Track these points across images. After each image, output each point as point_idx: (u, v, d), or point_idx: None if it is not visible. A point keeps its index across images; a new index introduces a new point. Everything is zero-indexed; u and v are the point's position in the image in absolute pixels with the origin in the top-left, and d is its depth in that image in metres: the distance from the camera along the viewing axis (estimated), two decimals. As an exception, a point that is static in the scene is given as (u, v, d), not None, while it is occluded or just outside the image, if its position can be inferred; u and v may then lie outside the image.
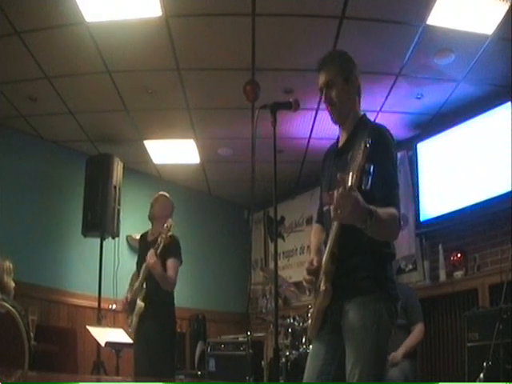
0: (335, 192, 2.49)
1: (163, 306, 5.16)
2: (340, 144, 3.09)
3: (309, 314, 3.08)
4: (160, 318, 5.10)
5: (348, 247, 2.75)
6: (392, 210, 2.66)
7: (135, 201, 8.19)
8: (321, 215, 3.23)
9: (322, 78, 3.03)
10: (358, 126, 3.01)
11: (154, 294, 5.11)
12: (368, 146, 2.42)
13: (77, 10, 4.98)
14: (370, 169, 2.41)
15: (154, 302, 5.11)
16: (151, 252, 5.05)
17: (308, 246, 8.92)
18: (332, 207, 2.52)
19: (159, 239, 5.07)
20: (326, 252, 2.80)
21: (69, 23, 5.22)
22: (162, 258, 5.11)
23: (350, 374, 2.68)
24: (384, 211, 2.58)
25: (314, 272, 2.87)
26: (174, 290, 5.15)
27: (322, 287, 2.77)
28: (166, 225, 5.10)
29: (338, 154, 3.05)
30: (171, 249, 5.17)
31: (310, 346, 3.10)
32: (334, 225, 2.71)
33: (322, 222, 3.20)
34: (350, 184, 2.42)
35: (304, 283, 2.99)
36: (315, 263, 2.88)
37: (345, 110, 3.02)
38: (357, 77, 3.06)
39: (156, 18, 5.15)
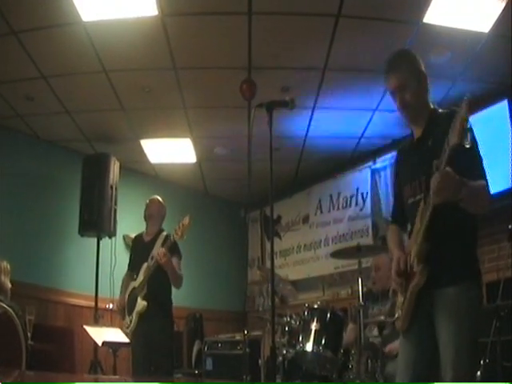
0: (433, 178, 2.57)
1: (165, 305, 5.18)
2: (417, 136, 3.11)
3: (398, 309, 3.06)
4: (162, 318, 5.13)
5: (442, 232, 2.76)
6: (482, 182, 2.74)
7: (132, 200, 8.18)
8: (399, 214, 3.23)
9: (393, 82, 3.04)
10: (432, 117, 3.07)
11: (157, 293, 5.15)
12: (457, 120, 2.43)
13: (73, 9, 4.97)
14: (469, 125, 2.44)
15: (156, 302, 5.15)
16: (162, 250, 5.06)
17: (305, 245, 8.93)
18: (431, 191, 2.59)
19: (172, 236, 5.13)
20: (418, 234, 2.80)
21: (65, 23, 5.22)
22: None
23: (452, 361, 2.68)
24: (476, 183, 2.67)
25: (403, 273, 2.89)
26: (180, 287, 5.26)
27: (418, 267, 2.77)
28: (182, 222, 5.17)
29: (417, 145, 3.07)
30: (174, 247, 5.25)
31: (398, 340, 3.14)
32: (429, 207, 2.70)
33: (399, 222, 3.24)
34: (443, 165, 2.52)
35: (394, 285, 3.04)
36: (402, 265, 2.90)
37: (419, 109, 3.07)
38: (425, 73, 3.11)
39: (152, 17, 5.15)
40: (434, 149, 2.80)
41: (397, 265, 2.91)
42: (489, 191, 2.79)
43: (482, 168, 2.80)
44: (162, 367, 4.92)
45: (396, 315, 3.06)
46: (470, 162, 2.69)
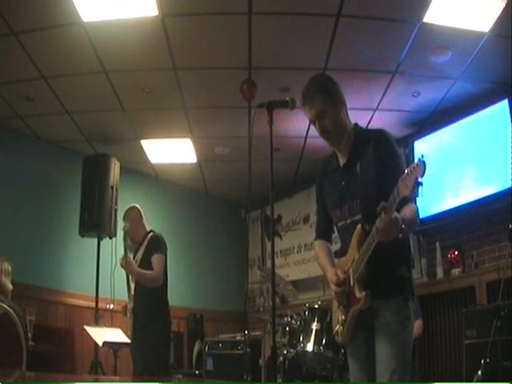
0: (378, 220, 2.64)
1: (150, 307, 5.11)
2: (342, 160, 3.18)
3: (336, 323, 3.15)
4: (147, 320, 5.07)
5: (378, 252, 2.81)
6: (412, 207, 2.84)
7: (132, 200, 8.15)
8: (325, 229, 3.37)
9: (310, 111, 3.13)
10: (356, 138, 3.14)
11: (140, 295, 5.17)
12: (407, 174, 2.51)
13: (73, 9, 4.97)
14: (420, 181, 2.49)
15: (140, 304, 5.16)
16: (121, 256, 5.18)
17: (305, 245, 8.92)
18: (378, 229, 2.66)
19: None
20: (358, 262, 2.88)
21: (65, 23, 5.21)
22: (148, 256, 5.21)
23: (385, 363, 2.83)
24: (408, 211, 2.79)
25: (342, 282, 2.98)
26: (158, 284, 5.13)
27: (361, 293, 2.87)
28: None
29: (344, 171, 3.15)
30: (153, 246, 5.26)
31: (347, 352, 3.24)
32: (372, 242, 2.77)
33: (325, 237, 3.36)
34: (392, 211, 2.61)
35: (335, 297, 3.10)
36: (340, 274, 3.00)
37: (340, 131, 3.14)
38: (341, 93, 3.16)
39: (152, 18, 5.15)
40: (362, 174, 2.99)
41: (336, 277, 3.01)
42: (418, 213, 2.89)
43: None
44: (155, 370, 4.88)
45: (336, 329, 3.13)
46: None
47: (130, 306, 5.22)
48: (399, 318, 2.87)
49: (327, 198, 3.26)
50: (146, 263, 5.17)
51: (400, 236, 2.70)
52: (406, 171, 2.51)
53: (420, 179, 2.44)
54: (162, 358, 5.14)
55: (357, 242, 2.92)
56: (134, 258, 5.34)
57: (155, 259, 5.17)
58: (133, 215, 5.50)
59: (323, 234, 3.38)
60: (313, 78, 3.25)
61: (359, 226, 2.93)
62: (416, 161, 2.48)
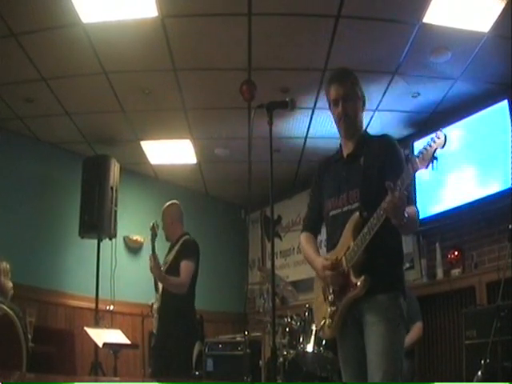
0: (389, 195, 2.66)
1: (175, 310, 5.12)
2: (347, 152, 3.21)
3: (322, 318, 3.11)
4: (171, 322, 5.08)
5: (372, 245, 2.84)
6: (414, 208, 2.92)
7: (132, 202, 8.19)
8: (314, 224, 3.37)
9: (337, 91, 3.15)
10: (363, 137, 3.20)
11: (167, 297, 5.16)
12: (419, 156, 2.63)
13: (73, 10, 4.97)
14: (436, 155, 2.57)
15: (166, 306, 5.16)
16: (149, 256, 5.10)
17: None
18: (387, 205, 2.68)
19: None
20: (357, 246, 2.89)
21: (65, 24, 5.21)
22: (178, 261, 5.14)
23: (376, 364, 2.82)
24: (410, 209, 2.82)
25: (334, 267, 2.96)
26: (181, 292, 5.07)
27: (358, 279, 2.86)
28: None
29: (347, 161, 3.18)
30: (186, 251, 5.20)
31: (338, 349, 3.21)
32: (374, 218, 2.80)
33: (313, 232, 3.36)
34: (403, 188, 2.66)
35: (328, 280, 3.04)
36: (331, 257, 3.01)
37: (357, 122, 3.19)
38: (364, 95, 3.23)
39: (152, 19, 5.15)
40: (365, 166, 3.04)
41: (327, 261, 3.00)
42: (418, 215, 2.97)
43: (413, 194, 3.05)
44: (175, 371, 4.88)
45: (323, 323, 3.09)
46: (406, 188, 2.79)
47: (156, 306, 5.23)
48: (389, 316, 2.86)
49: (326, 188, 3.26)
50: (174, 267, 5.12)
51: (402, 221, 2.71)
52: (424, 145, 2.60)
53: (437, 153, 2.53)
54: (182, 362, 5.11)
55: (352, 229, 2.93)
56: (165, 258, 5.32)
57: (183, 265, 5.09)
58: (173, 212, 5.46)
59: (312, 227, 3.37)
60: (345, 67, 3.36)
61: (356, 213, 2.94)
62: (436, 134, 2.58)
